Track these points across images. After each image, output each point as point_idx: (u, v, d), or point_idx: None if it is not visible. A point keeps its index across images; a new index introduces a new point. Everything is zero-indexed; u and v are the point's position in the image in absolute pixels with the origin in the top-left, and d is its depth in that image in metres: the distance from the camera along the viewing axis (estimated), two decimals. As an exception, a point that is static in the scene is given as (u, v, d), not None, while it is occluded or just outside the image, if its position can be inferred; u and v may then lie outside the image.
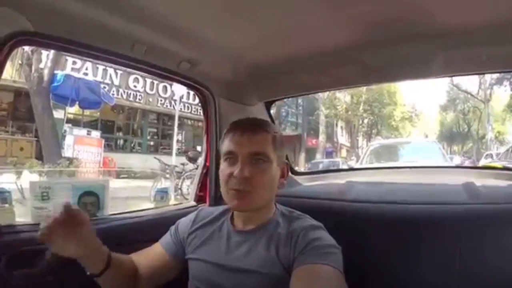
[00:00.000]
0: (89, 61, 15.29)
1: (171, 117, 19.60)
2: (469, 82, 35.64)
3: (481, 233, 1.58)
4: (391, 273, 1.66)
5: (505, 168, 2.46)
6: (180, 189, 9.46)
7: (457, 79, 34.34)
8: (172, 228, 1.63)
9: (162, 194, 2.21)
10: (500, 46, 1.64)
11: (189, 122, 22.25)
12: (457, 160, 16.95)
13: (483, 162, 19.66)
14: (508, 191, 1.93)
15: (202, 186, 2.19)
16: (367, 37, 1.64)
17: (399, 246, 1.66)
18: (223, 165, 1.44)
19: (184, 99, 18.95)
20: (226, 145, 1.44)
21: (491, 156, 19.60)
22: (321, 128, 31.13)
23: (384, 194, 1.93)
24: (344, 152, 39.68)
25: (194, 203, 2.20)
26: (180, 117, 17.90)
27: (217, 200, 1.98)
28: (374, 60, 1.83)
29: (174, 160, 12.38)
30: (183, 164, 10.90)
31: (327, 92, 27.68)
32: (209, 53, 1.83)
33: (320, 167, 21.66)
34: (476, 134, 39.41)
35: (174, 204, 2.26)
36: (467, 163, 22.29)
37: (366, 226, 1.73)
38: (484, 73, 11.82)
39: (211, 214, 1.60)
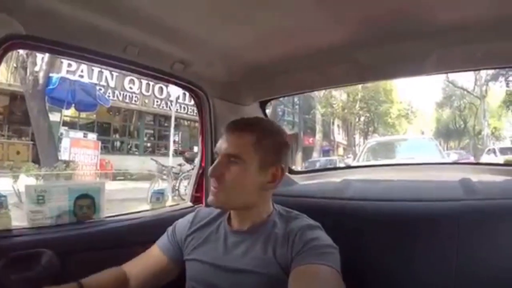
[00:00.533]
0: (82, 63, 15.25)
1: (167, 118, 19.60)
2: (465, 79, 35.75)
3: (478, 229, 1.57)
4: (389, 271, 1.64)
5: (501, 164, 2.47)
6: (178, 190, 9.46)
7: (453, 76, 34.49)
8: (169, 229, 1.63)
9: (158, 195, 2.20)
10: (495, 42, 1.63)
11: (186, 123, 22.26)
12: (454, 156, 16.98)
13: (485, 157, 19.79)
14: (505, 186, 1.92)
15: (198, 186, 2.19)
16: (361, 35, 1.64)
17: (397, 244, 1.65)
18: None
19: (180, 100, 18.94)
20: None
21: (494, 151, 19.66)
22: (318, 127, 31.16)
23: (381, 192, 1.93)
24: (341, 150, 39.75)
25: (190, 204, 2.20)
26: (176, 118, 17.93)
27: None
28: (369, 58, 1.83)
29: (171, 161, 12.36)
30: (180, 164, 10.91)
31: (323, 91, 27.69)
32: (202, 54, 1.82)
33: (317, 165, 21.71)
34: (472, 130, 39.39)
35: (171, 205, 2.26)
36: (472, 159, 22.10)
37: (364, 224, 1.72)
38: (479, 69, 11.86)
39: (209, 215, 1.59)
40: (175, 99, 15.94)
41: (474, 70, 13.72)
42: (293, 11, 1.44)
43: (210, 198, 1.42)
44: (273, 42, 1.74)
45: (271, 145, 1.43)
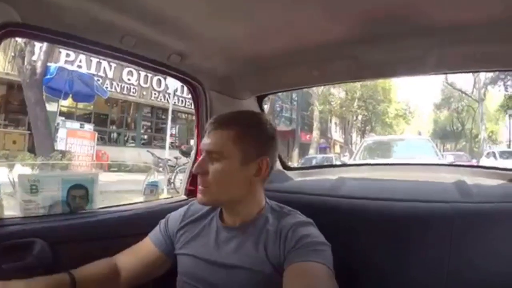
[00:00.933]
0: (79, 52, 15.19)
1: (165, 110, 19.57)
2: (464, 81, 36.07)
3: (471, 232, 1.58)
4: (382, 271, 1.65)
5: (496, 168, 2.48)
6: (173, 183, 9.47)
7: (452, 78, 34.85)
8: (162, 222, 1.62)
9: (152, 187, 2.20)
10: (495, 44, 1.62)
11: (183, 116, 22.24)
12: (450, 158, 17.02)
13: (484, 160, 19.84)
14: (500, 190, 1.91)
15: (192, 180, 2.16)
16: (362, 32, 1.62)
17: (390, 244, 1.66)
18: None
19: (178, 93, 18.90)
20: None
21: (494, 154, 19.83)
22: (315, 124, 31.23)
23: (376, 191, 1.92)
24: (337, 148, 39.84)
25: (184, 197, 2.18)
26: (174, 111, 17.86)
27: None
28: (369, 55, 1.81)
29: (167, 153, 12.34)
30: (176, 157, 10.90)
31: (322, 88, 27.76)
32: (200, 46, 1.81)
33: (314, 162, 21.71)
34: (469, 133, 39.79)
35: (164, 198, 2.24)
36: (474, 162, 22.01)
37: (357, 222, 1.72)
38: (478, 71, 11.86)
39: (202, 209, 1.58)
40: (173, 91, 15.89)
41: (473, 72, 13.71)
42: (293, 5, 1.42)
43: (198, 196, 1.42)
44: (272, 36, 1.72)
45: (253, 138, 1.42)
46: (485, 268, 1.53)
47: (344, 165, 8.07)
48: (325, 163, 19.38)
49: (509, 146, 27.90)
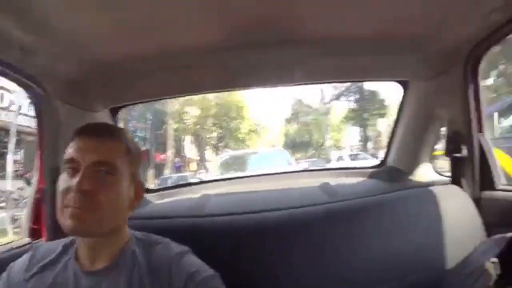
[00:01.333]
0: None
1: (8, 132, 17.88)
2: (311, 97, 40.43)
3: (344, 229, 1.67)
4: (261, 285, 1.62)
5: (349, 168, 2.78)
6: (19, 220, 8.60)
7: (301, 95, 40.51)
8: (4, 276, 1.24)
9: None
10: (356, 58, 1.80)
11: (30, 138, 20.66)
12: (305, 165, 19.33)
13: (334, 164, 23.72)
14: (361, 186, 2.16)
15: (36, 216, 1.78)
16: (230, 40, 1.60)
17: (265, 256, 1.63)
18: (61, 178, 1.12)
19: (25, 111, 17.35)
20: (67, 152, 1.13)
21: (342, 158, 24.47)
22: (169, 143, 31.88)
23: (242, 205, 1.91)
24: (193, 166, 40.66)
25: (28, 239, 1.76)
26: (19, 132, 16.47)
27: (58, 231, 1.55)
28: (239, 64, 1.81)
29: (9, 185, 11.25)
30: (20, 188, 10.00)
31: (176, 106, 28.25)
32: (47, 42, 1.46)
33: (169, 182, 22.24)
34: (316, 142, 43.91)
35: (2, 244, 1.80)
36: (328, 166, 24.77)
37: (229, 240, 1.66)
38: (342, 82, 14.06)
39: (52, 252, 1.25)
40: (17, 109, 14.68)
41: (337, 82, 16.59)
42: (161, 3, 1.28)
43: (70, 222, 1.06)
44: (132, 38, 1.54)
45: (136, 156, 1.24)
46: (362, 258, 1.63)
47: (203, 182, 8.14)
48: (181, 182, 19.65)
49: (351, 151, 34.35)
